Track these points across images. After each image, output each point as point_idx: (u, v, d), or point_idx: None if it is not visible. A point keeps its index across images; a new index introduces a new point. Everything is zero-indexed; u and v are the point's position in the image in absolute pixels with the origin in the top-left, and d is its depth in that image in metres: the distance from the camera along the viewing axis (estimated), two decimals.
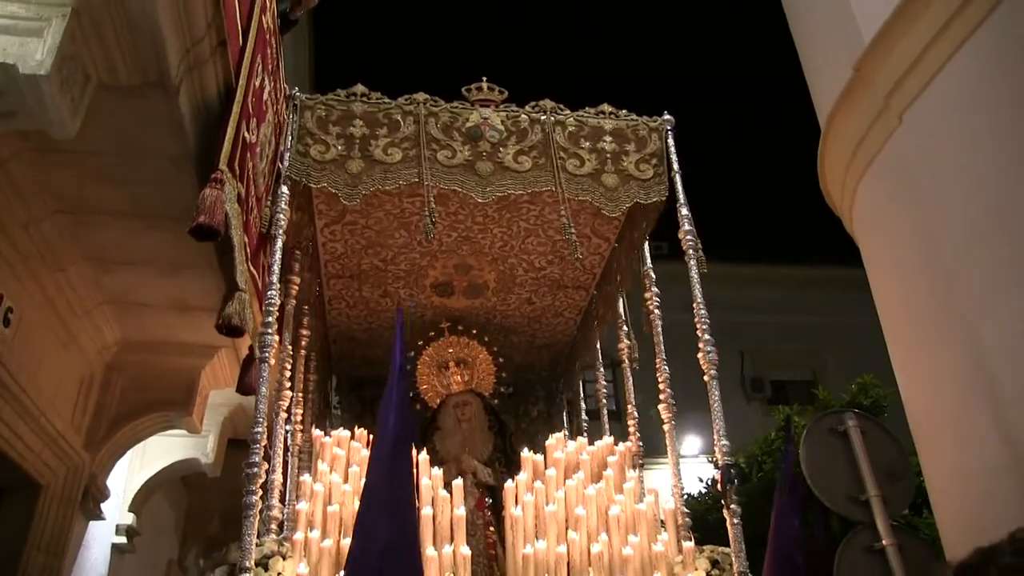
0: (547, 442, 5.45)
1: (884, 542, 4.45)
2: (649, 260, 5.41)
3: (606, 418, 6.28)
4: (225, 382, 5.79)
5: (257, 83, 4.33)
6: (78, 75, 3.07)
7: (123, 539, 6.07)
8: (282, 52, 5.26)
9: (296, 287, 5.13)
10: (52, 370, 4.68)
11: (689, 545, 4.52)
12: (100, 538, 5.81)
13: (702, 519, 8.57)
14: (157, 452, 6.22)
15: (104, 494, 5.42)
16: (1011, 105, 3.60)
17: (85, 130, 3.27)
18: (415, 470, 2.84)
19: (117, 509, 6.03)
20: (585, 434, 6.29)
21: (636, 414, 5.67)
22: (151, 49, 3.27)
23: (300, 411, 5.39)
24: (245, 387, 4.68)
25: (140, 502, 6.21)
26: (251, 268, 4.37)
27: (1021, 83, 3.59)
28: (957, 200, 3.70)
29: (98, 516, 5.46)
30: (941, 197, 3.80)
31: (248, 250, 4.31)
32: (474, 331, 6.59)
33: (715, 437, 4.37)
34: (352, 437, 5.26)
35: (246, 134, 4.03)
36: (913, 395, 4.28)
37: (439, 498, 4.64)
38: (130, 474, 6.17)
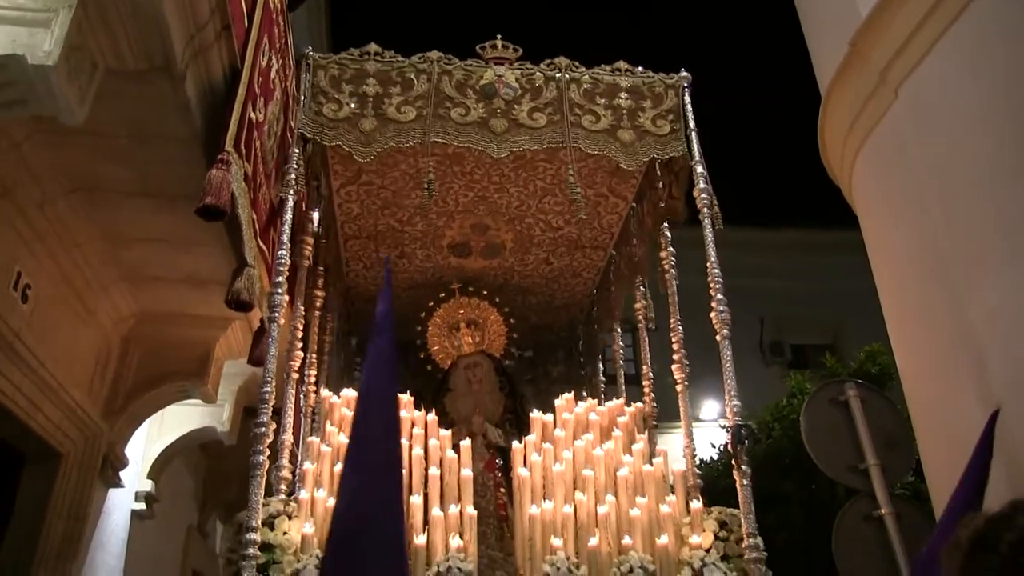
0: (556, 402, 5.45)
1: (883, 510, 4.54)
2: (665, 221, 5.37)
3: (623, 381, 6.29)
4: (239, 352, 5.91)
5: (264, 62, 4.41)
6: (85, 63, 3.15)
7: (142, 505, 6.25)
8: (291, 29, 5.31)
9: (309, 248, 5.15)
10: (70, 343, 4.82)
11: (697, 506, 4.53)
12: (120, 505, 5.99)
13: (712, 484, 8.68)
14: (174, 421, 6.37)
15: (123, 462, 5.58)
16: (1005, 78, 3.62)
17: (95, 113, 3.34)
18: (399, 427, 2.72)
19: (136, 476, 6.20)
20: (603, 396, 6.24)
21: (651, 375, 5.69)
22: (156, 36, 3.34)
23: (314, 372, 5.44)
24: (256, 358, 4.77)
25: (159, 469, 6.38)
26: (260, 243, 4.48)
27: (1015, 56, 3.60)
28: (949, 174, 3.74)
29: (117, 484, 5.63)
30: (934, 171, 3.83)
31: (257, 226, 4.41)
32: (484, 292, 6.63)
33: (726, 397, 4.39)
34: None
35: (252, 114, 4.11)
36: (907, 367, 4.35)
37: (447, 459, 4.66)
38: (148, 442, 6.33)
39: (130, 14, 3.23)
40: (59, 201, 4.23)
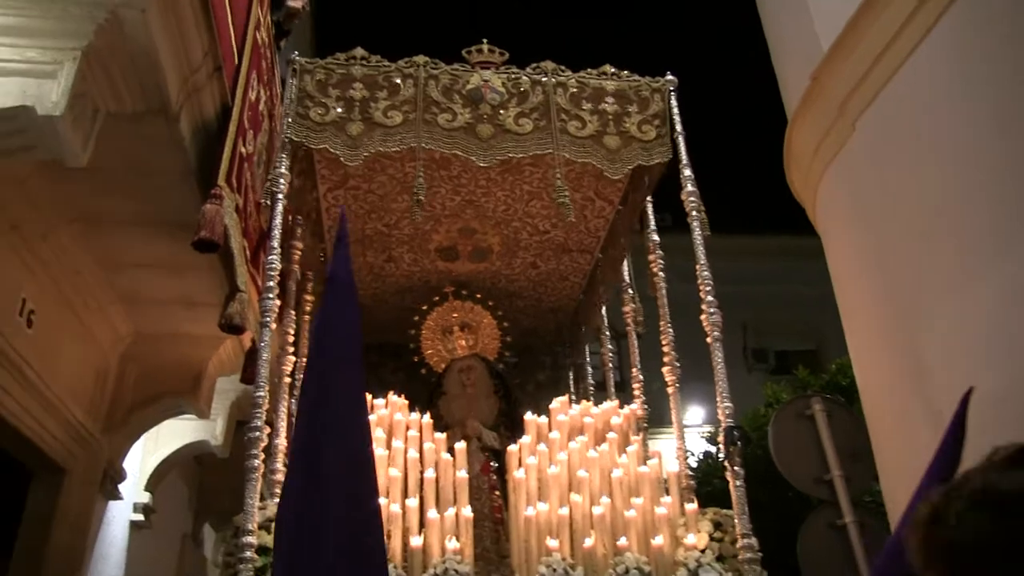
0: (551, 405, 5.43)
1: (846, 519, 4.78)
2: (653, 222, 5.40)
3: (612, 385, 6.27)
4: (231, 369, 6.13)
5: (253, 97, 4.65)
6: (88, 109, 3.38)
7: (140, 516, 6.47)
8: (277, 60, 5.54)
9: (299, 252, 5.17)
10: (71, 364, 5.04)
11: (692, 507, 4.54)
12: (119, 516, 6.21)
13: (695, 491, 8.86)
14: (170, 435, 6.59)
15: (121, 475, 5.80)
16: (952, 114, 3.86)
17: (95, 150, 3.55)
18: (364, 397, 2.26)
19: (134, 488, 6.42)
20: (592, 399, 6.14)
21: (641, 377, 5.65)
22: (153, 80, 3.57)
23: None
24: (248, 378, 4.94)
25: (155, 482, 6.61)
26: (251, 269, 4.70)
27: (962, 93, 3.83)
28: (902, 206, 3.98)
29: (116, 496, 5.85)
30: (887, 202, 4.07)
31: (248, 252, 4.65)
32: (478, 295, 6.57)
33: (718, 399, 4.36)
34: None
35: (242, 149, 4.35)
36: (864, 383, 4.59)
37: (442, 461, 4.69)
38: (145, 456, 6.55)
39: (129, 62, 3.46)
40: (61, 231, 4.46)
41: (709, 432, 10.39)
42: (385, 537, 2.87)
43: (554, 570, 4.12)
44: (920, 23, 4.01)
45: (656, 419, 6.22)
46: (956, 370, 3.55)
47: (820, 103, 4.51)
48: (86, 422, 5.25)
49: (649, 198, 5.48)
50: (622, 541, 4.36)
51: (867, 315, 4.41)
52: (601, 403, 5.73)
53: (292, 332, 5.02)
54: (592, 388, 6.79)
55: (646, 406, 5.54)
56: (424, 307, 6.58)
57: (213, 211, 3.85)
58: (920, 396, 3.79)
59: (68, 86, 3.17)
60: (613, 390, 6.14)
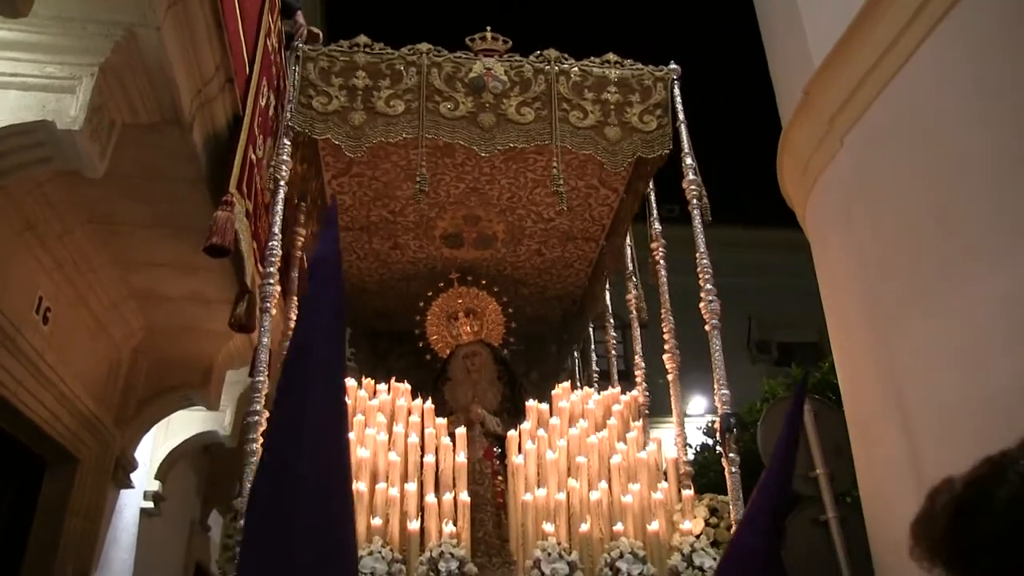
0: (553, 391, 5.45)
1: (829, 515, 4.96)
2: (656, 210, 5.41)
3: (615, 373, 6.27)
4: (240, 362, 6.31)
5: (263, 103, 4.81)
6: (105, 122, 3.55)
7: (150, 504, 6.68)
8: (286, 64, 5.69)
9: (302, 239, 5.20)
10: (85, 358, 5.23)
11: (688, 493, 4.58)
12: (130, 504, 6.43)
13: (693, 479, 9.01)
14: (180, 425, 6.79)
15: (133, 465, 6.01)
16: (936, 132, 3.99)
17: (111, 158, 3.72)
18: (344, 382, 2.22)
19: (145, 477, 6.62)
20: (596, 386, 6.27)
21: (643, 364, 5.64)
22: (167, 93, 3.74)
23: None
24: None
25: (165, 470, 6.81)
26: (259, 269, 4.87)
27: (949, 112, 3.95)
28: (884, 223, 4.11)
29: (128, 485, 6.06)
30: (870, 219, 4.21)
31: (257, 254, 4.82)
32: (483, 282, 6.58)
33: (715, 386, 4.40)
34: (359, 386, 5.31)
35: (252, 155, 4.51)
36: (845, 386, 4.74)
37: (442, 446, 4.74)
38: (155, 446, 6.75)
39: (144, 76, 3.63)
40: (76, 231, 4.64)
41: (708, 424, 10.53)
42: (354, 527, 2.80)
43: (549, 554, 4.16)
44: (908, 42, 4.12)
45: (660, 409, 6.22)
46: (927, 378, 3.71)
47: (811, 117, 4.64)
48: (99, 414, 5.44)
49: (651, 186, 5.53)
50: (618, 526, 4.41)
51: (849, 322, 4.57)
52: (607, 388, 5.77)
53: (294, 318, 5.04)
54: (596, 376, 6.84)
55: (647, 393, 5.55)
56: (429, 293, 6.60)
57: (224, 218, 4.02)
58: (893, 400, 3.95)
59: (86, 101, 3.34)
60: (616, 378, 6.12)
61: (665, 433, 5.70)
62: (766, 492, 2.97)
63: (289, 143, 4.70)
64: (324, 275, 2.15)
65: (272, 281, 4.47)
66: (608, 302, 6.68)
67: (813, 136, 4.66)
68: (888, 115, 4.23)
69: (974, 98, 3.73)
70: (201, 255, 4.59)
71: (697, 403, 15.18)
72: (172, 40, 3.58)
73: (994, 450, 1.18)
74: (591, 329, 7.15)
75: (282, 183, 4.60)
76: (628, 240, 6.11)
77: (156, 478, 6.74)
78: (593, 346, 7.12)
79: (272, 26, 5.04)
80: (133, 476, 6.11)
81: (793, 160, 4.96)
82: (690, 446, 10.26)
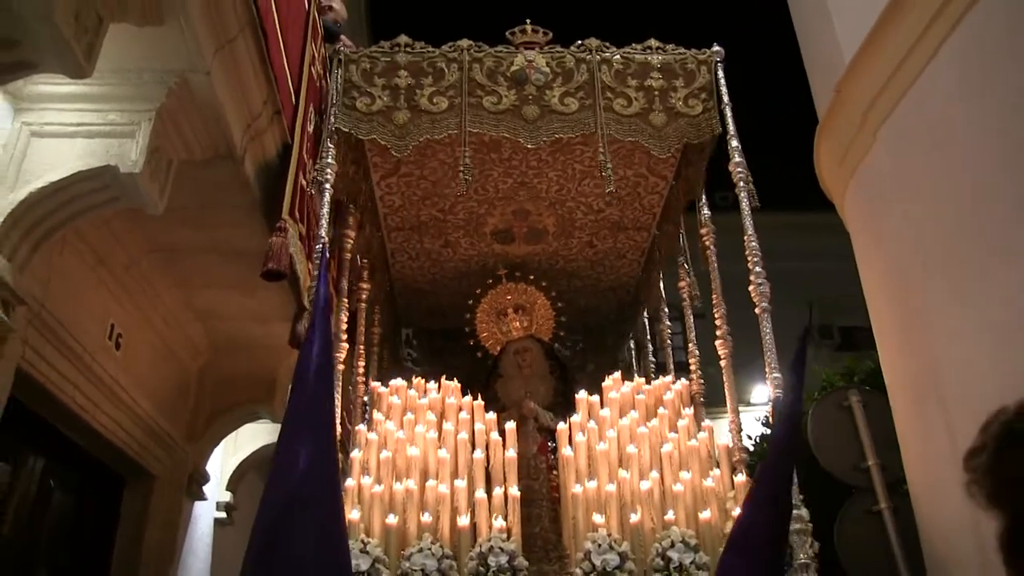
0: (604, 383, 5.40)
1: (881, 505, 5.01)
2: (704, 196, 5.32)
3: (671, 361, 6.20)
4: None
5: (311, 129, 5.00)
6: (163, 162, 3.79)
7: (223, 514, 7.00)
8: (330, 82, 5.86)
9: (351, 241, 5.17)
10: (156, 380, 5.52)
11: (741, 479, 4.49)
12: (204, 515, 6.74)
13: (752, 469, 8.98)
14: (248, 438, 7.08)
15: (205, 478, 6.30)
16: (968, 122, 4.03)
17: (170, 192, 3.97)
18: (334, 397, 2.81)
19: (217, 488, 6.94)
20: (653, 378, 6.04)
21: (697, 352, 5.58)
22: (219, 130, 3.97)
23: (362, 364, 5.56)
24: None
25: (236, 481, 7.12)
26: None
27: (977, 105, 3.99)
28: (919, 217, 4.17)
29: (201, 496, 6.36)
30: (906, 213, 4.26)
31: (312, 273, 5.02)
32: (531, 277, 6.54)
33: (767, 370, 4.35)
34: (409, 386, 5.32)
35: (303, 180, 4.71)
36: (890, 380, 4.79)
37: (492, 441, 4.72)
38: (225, 458, 7.06)
39: (197, 116, 3.86)
40: (142, 261, 4.92)
41: (766, 415, 10.50)
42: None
43: (599, 545, 4.11)
44: (936, 34, 4.16)
45: (717, 398, 5.83)
46: (964, 371, 3.76)
47: (843, 114, 4.70)
48: (171, 431, 5.74)
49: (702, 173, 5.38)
50: (669, 515, 4.36)
51: (889, 315, 4.62)
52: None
53: (345, 320, 5.09)
54: (653, 366, 6.75)
55: (702, 382, 5.50)
56: (478, 291, 6.58)
57: (279, 243, 4.22)
58: (933, 392, 4.02)
59: (145, 144, 3.59)
60: (673, 368, 6.00)
61: (723, 423, 5.53)
62: (769, 463, 3.05)
63: (333, 147, 4.73)
64: (323, 314, 2.84)
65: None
66: (663, 292, 6.56)
67: (847, 131, 4.71)
68: (921, 107, 4.28)
69: (1007, 83, 3.75)
70: (258, 278, 4.83)
71: (760, 392, 15.03)
72: (221, 82, 3.80)
73: None
74: (646, 319, 6.97)
75: (327, 186, 4.61)
76: (681, 228, 6.00)
77: (227, 489, 7.04)
78: (649, 336, 6.96)
79: (316, 54, 5.23)
80: (206, 488, 6.40)
81: (830, 154, 5.01)
82: (748, 436, 10.28)
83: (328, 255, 2.96)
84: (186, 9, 3.36)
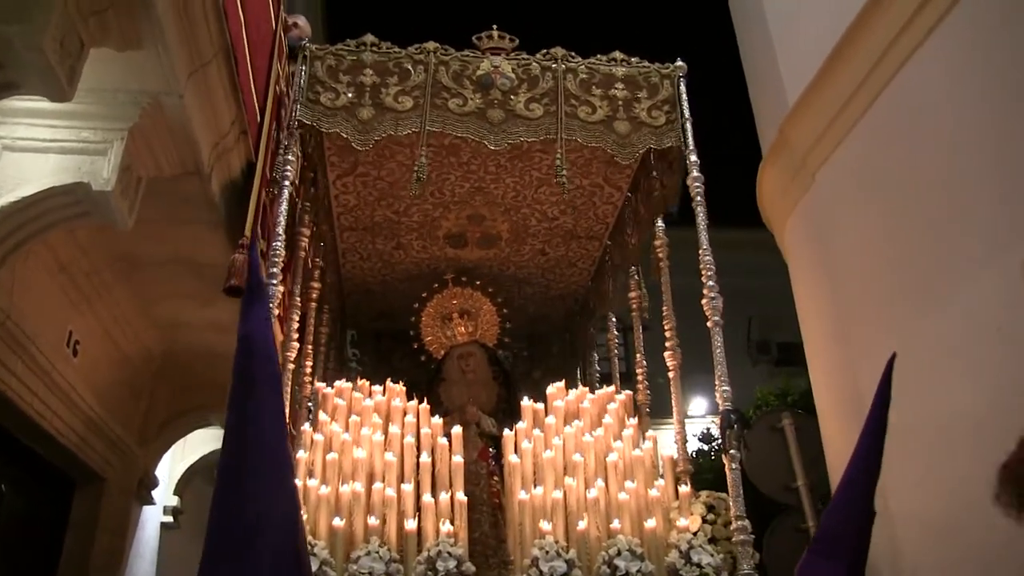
0: (548, 390, 5.45)
1: (809, 524, 5.29)
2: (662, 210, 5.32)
3: (617, 371, 6.27)
4: None
5: (274, 146, 5.13)
6: (133, 179, 3.89)
7: (170, 518, 7.06)
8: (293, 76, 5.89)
9: (306, 239, 5.21)
10: (110, 385, 5.59)
11: (685, 490, 4.59)
12: (151, 519, 6.79)
13: (695, 478, 9.12)
14: (196, 443, 7.15)
15: (154, 483, 6.37)
16: (900, 172, 4.31)
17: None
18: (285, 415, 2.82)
19: (164, 493, 7.00)
20: (599, 386, 6.20)
21: (644, 363, 5.65)
22: (188, 149, 4.07)
23: (310, 363, 5.55)
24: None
25: (183, 486, 7.18)
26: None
27: (909, 153, 4.29)
28: (850, 256, 4.47)
29: (150, 501, 6.42)
30: (838, 251, 4.56)
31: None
32: (477, 282, 6.59)
33: (716, 383, 4.39)
34: (354, 388, 5.32)
35: (266, 198, 4.84)
36: (820, 401, 5.08)
37: (438, 446, 4.75)
38: (174, 463, 7.12)
39: (168, 135, 3.96)
40: (104, 271, 4.99)
41: (704, 431, 10.79)
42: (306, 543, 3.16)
43: (547, 552, 4.17)
44: (876, 82, 4.44)
45: (661, 410, 6.19)
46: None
47: (785, 153, 4.97)
48: (124, 436, 5.81)
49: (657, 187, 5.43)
50: (616, 524, 4.43)
51: (822, 341, 4.91)
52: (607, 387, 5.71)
53: (298, 319, 5.13)
54: (598, 376, 6.85)
55: (648, 392, 5.59)
56: (424, 294, 6.63)
57: (241, 260, 4.30)
58: (857, 416, 4.28)
59: (117, 163, 3.67)
60: (618, 378, 6.05)
61: (667, 433, 5.71)
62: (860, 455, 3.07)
63: (295, 142, 4.77)
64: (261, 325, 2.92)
65: (275, 283, 4.52)
66: (610, 301, 6.63)
67: (789, 169, 4.99)
68: (855, 155, 4.57)
69: (937, 133, 4.01)
70: (218, 287, 4.92)
71: (697, 404, 15.33)
72: (193, 104, 3.92)
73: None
74: (592, 330, 7.12)
75: (286, 184, 4.64)
76: (634, 239, 6.07)
77: (175, 493, 7.10)
78: (595, 346, 7.08)
79: (280, 72, 5.35)
80: (154, 493, 6.46)
81: (771, 187, 5.29)
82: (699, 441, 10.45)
83: (257, 261, 3.16)
84: (164, 35, 3.47)
